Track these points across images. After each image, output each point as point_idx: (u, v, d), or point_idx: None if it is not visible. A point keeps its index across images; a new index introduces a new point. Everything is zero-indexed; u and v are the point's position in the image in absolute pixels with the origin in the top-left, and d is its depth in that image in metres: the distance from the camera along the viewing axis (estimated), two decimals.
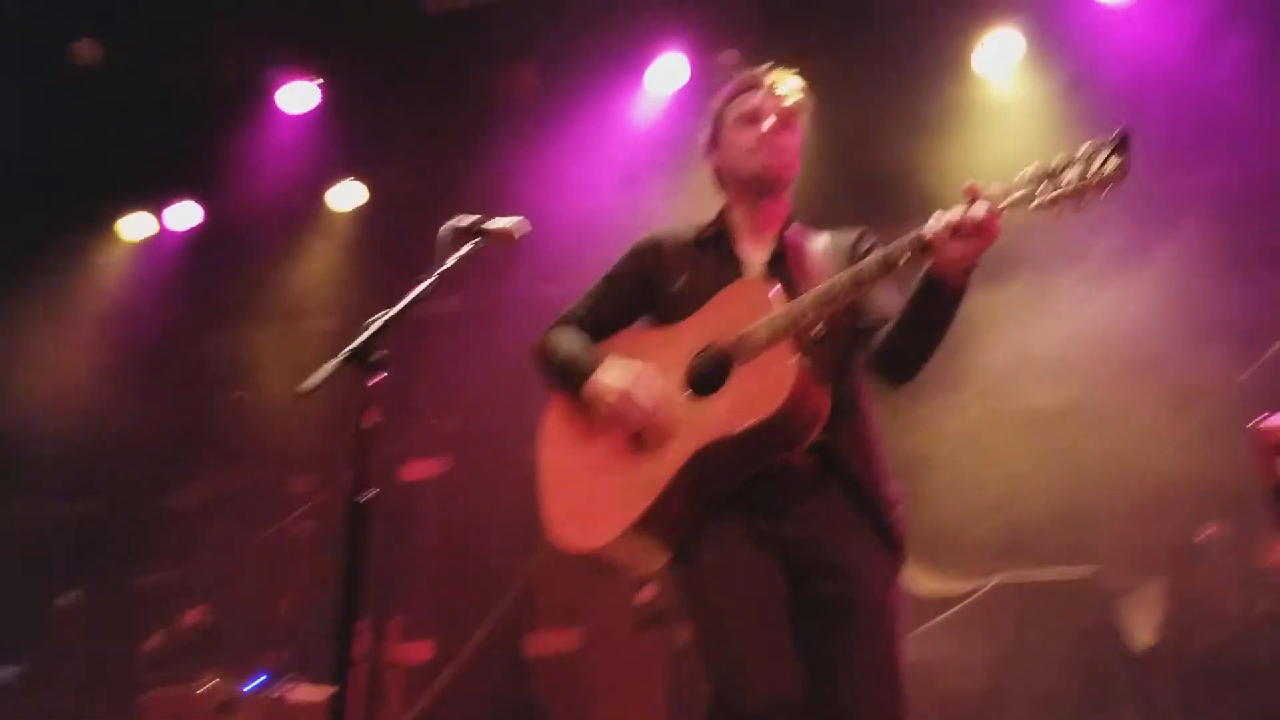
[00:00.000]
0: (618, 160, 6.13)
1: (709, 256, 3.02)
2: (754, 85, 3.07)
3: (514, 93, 6.42)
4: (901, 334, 2.73)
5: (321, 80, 6.49)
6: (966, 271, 2.56)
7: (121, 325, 7.29)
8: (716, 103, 3.10)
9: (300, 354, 6.80)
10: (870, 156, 5.57)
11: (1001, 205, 2.45)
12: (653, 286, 3.03)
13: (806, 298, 2.68)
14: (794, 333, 2.69)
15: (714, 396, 2.75)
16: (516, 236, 2.83)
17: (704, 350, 2.83)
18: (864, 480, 2.79)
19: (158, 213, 7.30)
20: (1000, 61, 5.91)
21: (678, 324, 2.92)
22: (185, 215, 7.30)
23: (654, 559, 2.82)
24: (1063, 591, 4.99)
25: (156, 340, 7.26)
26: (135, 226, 7.36)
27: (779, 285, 2.79)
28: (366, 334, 2.52)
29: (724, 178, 3.09)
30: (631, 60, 6.25)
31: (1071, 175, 2.33)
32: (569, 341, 3.03)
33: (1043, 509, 5.09)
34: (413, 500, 6.84)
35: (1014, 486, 5.07)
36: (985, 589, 5.07)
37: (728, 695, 2.59)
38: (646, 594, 5.40)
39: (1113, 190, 2.30)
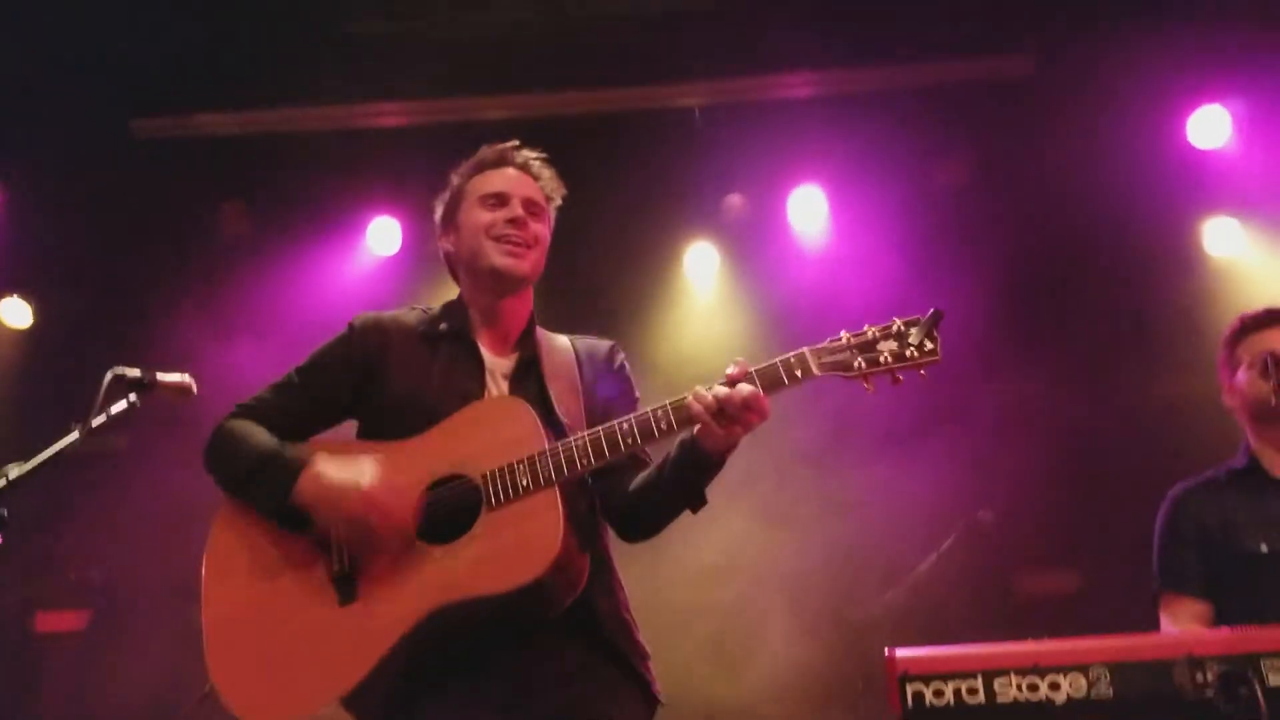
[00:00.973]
0: (311, 317, 5.93)
1: (443, 353, 2.57)
2: (501, 162, 2.71)
3: (216, 231, 6.17)
4: (653, 495, 2.47)
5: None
6: (730, 449, 2.36)
7: None
8: (457, 176, 2.74)
9: None
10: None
11: (814, 371, 2.28)
12: (368, 379, 2.53)
13: (583, 442, 2.33)
14: (560, 480, 2.31)
15: (459, 543, 2.28)
16: (194, 390, 2.70)
17: (446, 479, 2.37)
18: (620, 635, 2.48)
19: None
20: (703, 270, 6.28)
21: (408, 439, 2.41)
22: None
23: None
24: None
25: None
26: None
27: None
28: None
29: (459, 264, 2.69)
30: (346, 219, 6.17)
31: (889, 349, 2.25)
32: (260, 434, 2.46)
33: None
34: (44, 654, 6.18)
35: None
36: None
37: None
38: None
39: (926, 369, 2.25)
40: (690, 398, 2.30)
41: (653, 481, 2.47)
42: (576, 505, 2.39)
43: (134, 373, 2.60)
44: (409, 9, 5.38)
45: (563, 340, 2.70)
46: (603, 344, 2.75)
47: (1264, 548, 3.27)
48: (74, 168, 5.95)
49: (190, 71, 5.59)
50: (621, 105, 5.80)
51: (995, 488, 5.60)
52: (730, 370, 2.29)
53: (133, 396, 2.58)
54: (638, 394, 2.72)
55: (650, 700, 2.49)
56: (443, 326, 2.62)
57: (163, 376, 2.65)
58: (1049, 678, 2.07)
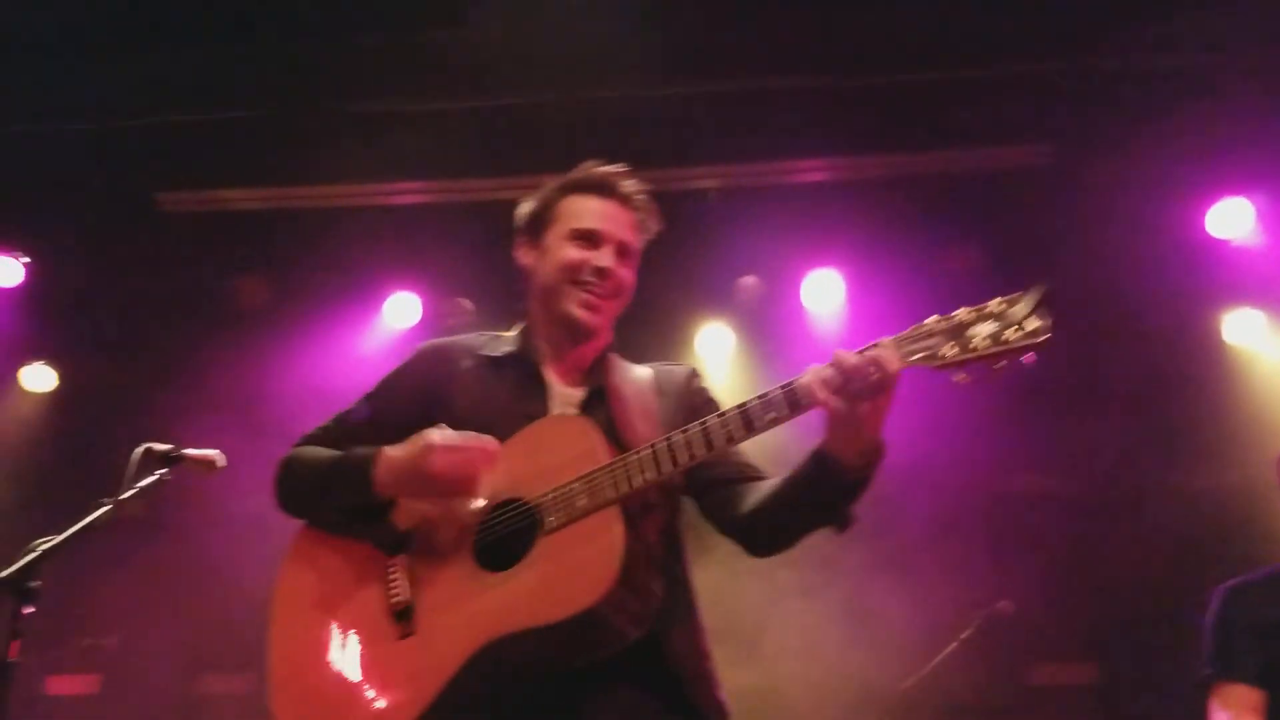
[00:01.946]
0: (330, 389, 5.99)
1: (507, 377, 2.44)
2: (603, 190, 2.48)
3: (240, 303, 6.26)
4: (781, 512, 2.23)
5: (27, 259, 6.13)
6: (864, 453, 2.05)
7: None
8: (552, 187, 2.53)
9: None
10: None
11: (898, 360, 1.97)
12: (434, 405, 2.37)
13: (644, 454, 2.12)
14: (621, 498, 2.11)
15: (514, 570, 2.12)
16: (219, 465, 2.72)
17: (505, 504, 2.21)
18: (696, 685, 2.22)
19: None
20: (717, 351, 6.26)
21: None
22: None
23: None
24: None
25: None
26: None
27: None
28: (23, 561, 2.32)
29: (535, 285, 2.51)
30: (365, 293, 6.24)
31: (984, 332, 1.94)
32: (324, 450, 2.37)
33: None
34: (53, 715, 6.19)
35: None
36: None
37: None
38: None
39: (1035, 355, 1.92)
40: (805, 373, 2.04)
41: (783, 499, 2.20)
42: (646, 525, 2.20)
43: (164, 448, 2.64)
44: (427, 91, 5.45)
45: (640, 370, 2.53)
46: (680, 369, 2.57)
47: None
48: (100, 238, 6.09)
49: (215, 147, 5.70)
50: None
51: (1015, 579, 5.52)
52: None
53: (162, 470, 2.62)
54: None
55: None
56: (509, 351, 2.49)
57: (191, 451, 2.68)
58: None
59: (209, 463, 2.71)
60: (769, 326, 6.11)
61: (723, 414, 2.12)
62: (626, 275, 2.47)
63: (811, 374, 2.03)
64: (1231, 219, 5.65)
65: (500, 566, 2.15)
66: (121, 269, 6.19)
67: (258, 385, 6.01)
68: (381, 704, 2.13)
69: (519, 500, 2.19)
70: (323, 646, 2.24)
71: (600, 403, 2.37)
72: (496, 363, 2.46)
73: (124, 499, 2.52)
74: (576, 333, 2.45)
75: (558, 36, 5.22)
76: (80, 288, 6.23)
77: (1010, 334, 1.91)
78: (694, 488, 2.36)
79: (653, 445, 2.13)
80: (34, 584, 2.32)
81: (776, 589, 5.45)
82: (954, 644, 5.29)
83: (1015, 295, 1.94)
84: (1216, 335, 5.91)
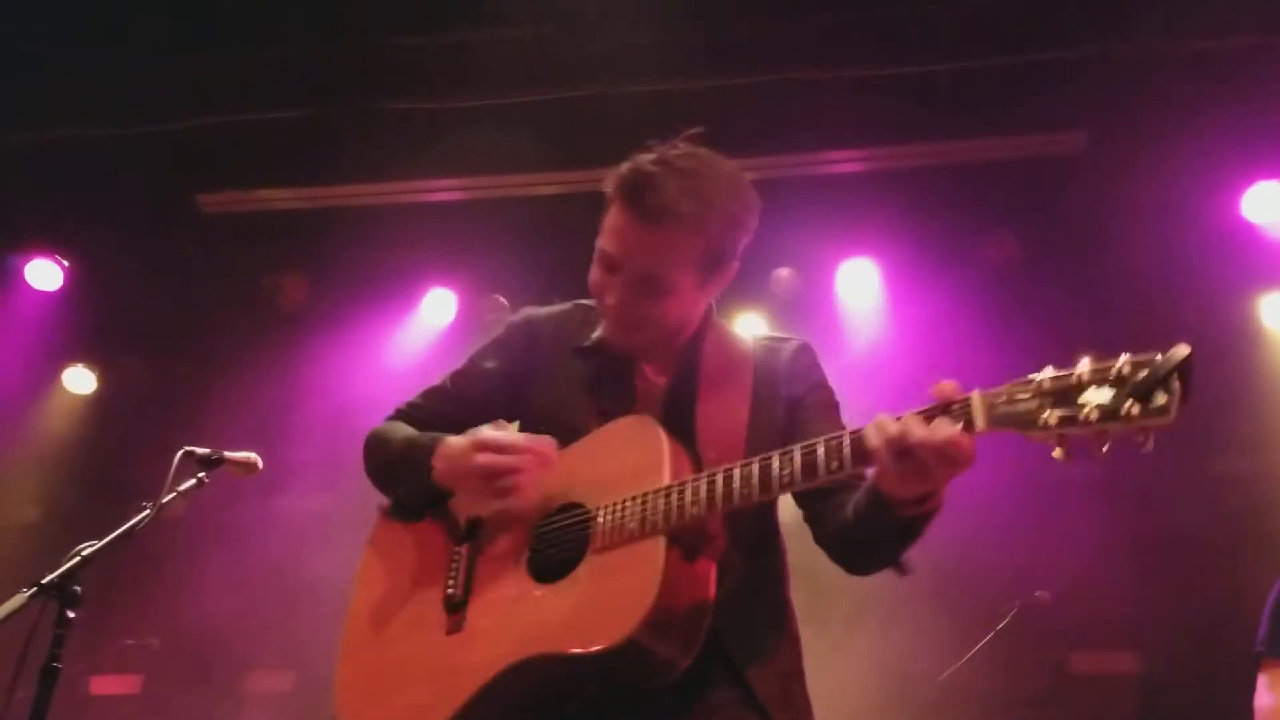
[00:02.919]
0: (368, 387, 6.03)
1: (590, 367, 2.26)
2: (630, 201, 2.10)
3: (279, 302, 6.32)
4: (853, 547, 2.07)
5: (67, 262, 6.19)
6: (922, 501, 1.82)
7: None
8: (610, 180, 2.16)
9: None
10: None
11: (980, 426, 1.68)
12: (514, 388, 2.28)
13: (700, 487, 1.93)
14: (671, 530, 1.94)
15: (560, 585, 2.01)
16: (258, 467, 2.77)
17: (567, 507, 2.10)
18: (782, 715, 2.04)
19: None
20: None
21: None
22: None
23: None
24: None
25: None
26: None
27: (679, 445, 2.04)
28: (67, 565, 2.37)
29: None
30: (402, 291, 6.29)
31: (1098, 400, 1.59)
32: (404, 428, 2.29)
33: None
34: (97, 715, 6.23)
35: None
36: None
37: None
38: None
39: (1153, 437, 1.56)
40: (870, 428, 1.78)
41: (851, 533, 2.02)
42: (703, 554, 1.99)
43: (203, 451, 2.69)
44: (465, 89, 5.49)
45: (743, 346, 2.27)
46: (787, 346, 2.27)
47: None
48: (140, 240, 6.15)
49: (255, 148, 5.76)
50: None
51: (1053, 568, 5.51)
52: (939, 388, 1.74)
53: (202, 474, 2.67)
54: (837, 399, 2.27)
55: None
56: (597, 339, 2.26)
57: (230, 454, 2.74)
58: None
59: (249, 465, 2.77)
60: (803, 317, 6.13)
61: (786, 451, 1.89)
62: (648, 309, 2.14)
63: (878, 436, 1.76)
64: (1267, 203, 5.64)
65: (552, 574, 2.05)
66: (161, 271, 6.26)
67: (297, 384, 6.07)
68: (422, 694, 2.09)
69: (581, 506, 2.08)
70: (383, 628, 2.23)
71: (687, 390, 2.19)
72: (582, 352, 2.28)
73: (164, 502, 2.58)
74: (618, 350, 2.26)
75: (594, 33, 5.27)
76: (120, 290, 6.29)
77: (1130, 408, 1.56)
78: (795, 497, 2.15)
79: (710, 477, 1.93)
80: (77, 588, 2.38)
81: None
82: (989, 635, 5.28)
83: (1147, 356, 1.58)
84: (1254, 319, 5.90)
